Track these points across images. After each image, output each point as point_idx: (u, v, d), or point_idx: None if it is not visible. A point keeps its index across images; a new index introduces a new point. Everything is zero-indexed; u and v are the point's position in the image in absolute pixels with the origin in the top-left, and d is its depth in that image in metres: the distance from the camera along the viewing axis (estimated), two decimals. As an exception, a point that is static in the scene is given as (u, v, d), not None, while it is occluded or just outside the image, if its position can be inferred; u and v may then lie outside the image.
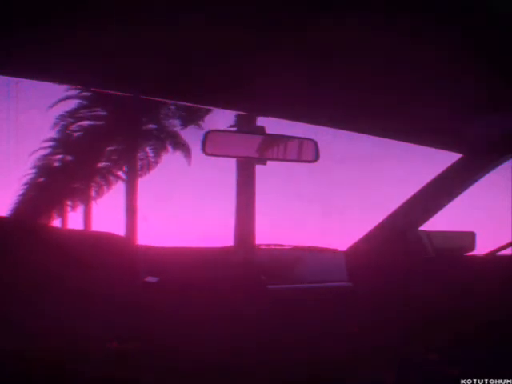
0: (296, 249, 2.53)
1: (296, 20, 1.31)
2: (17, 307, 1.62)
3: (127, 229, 16.81)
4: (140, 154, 17.62)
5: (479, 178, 2.36)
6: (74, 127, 17.56)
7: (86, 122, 17.48)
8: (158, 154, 17.59)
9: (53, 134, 18.73)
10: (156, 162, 17.65)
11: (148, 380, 1.76)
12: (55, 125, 17.23)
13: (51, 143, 19.01)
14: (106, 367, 1.68)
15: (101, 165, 19.34)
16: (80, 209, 21.98)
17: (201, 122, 15.88)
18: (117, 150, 18.24)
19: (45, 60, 1.51)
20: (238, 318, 1.95)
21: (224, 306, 1.94)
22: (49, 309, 1.64)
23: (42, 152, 19.36)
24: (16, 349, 1.58)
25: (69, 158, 19.53)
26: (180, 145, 16.77)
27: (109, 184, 20.07)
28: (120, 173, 19.17)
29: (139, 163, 17.58)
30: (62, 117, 17.06)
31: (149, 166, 17.65)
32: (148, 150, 17.62)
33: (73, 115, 17.23)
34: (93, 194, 20.69)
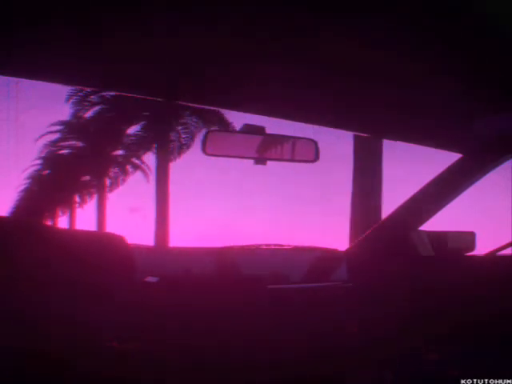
0: (296, 249, 2.53)
1: (296, 21, 1.31)
2: (16, 307, 1.62)
3: (157, 228, 14.19)
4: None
5: (479, 177, 2.35)
6: (91, 98, 14.84)
7: (105, 94, 14.67)
8: (192, 135, 14.76)
9: (59, 118, 17.18)
10: (188, 146, 14.83)
11: (148, 380, 1.76)
12: (69, 97, 14.73)
13: (59, 127, 17.23)
14: (105, 367, 1.68)
15: (117, 152, 17.03)
16: (91, 205, 20.11)
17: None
18: (139, 132, 15.29)
19: (45, 60, 1.51)
20: (238, 317, 1.95)
21: (224, 306, 1.94)
22: (48, 309, 1.64)
23: (48, 138, 17.56)
24: (15, 348, 1.58)
25: (79, 144, 17.23)
26: (224, 123, 13.84)
27: (126, 174, 17.53)
28: (138, 162, 16.67)
29: (170, 146, 14.67)
30: (76, 88, 14.39)
31: (180, 150, 14.89)
32: (180, 129, 14.86)
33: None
34: (107, 187, 18.56)
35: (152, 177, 15.77)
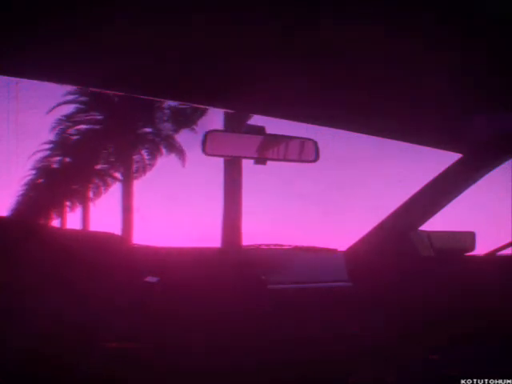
0: (296, 249, 2.53)
1: (296, 21, 1.31)
2: (16, 307, 1.62)
3: (123, 228, 16.74)
4: (136, 157, 17.54)
5: (479, 177, 2.35)
6: (71, 131, 17.55)
7: (82, 126, 17.54)
8: (153, 157, 17.63)
9: (52, 136, 18.58)
10: (151, 165, 17.66)
11: (148, 380, 1.76)
12: (53, 128, 17.17)
13: (50, 145, 18.87)
14: (105, 367, 1.69)
15: (98, 167, 19.35)
16: (78, 209, 21.80)
17: (194, 126, 15.56)
18: (114, 152, 18.19)
19: (45, 60, 1.51)
20: (238, 318, 1.95)
21: (224, 306, 1.94)
22: (48, 308, 1.64)
23: (41, 154, 19.24)
24: (15, 348, 1.58)
25: (67, 159, 19.47)
26: (174, 147, 16.81)
27: (106, 185, 20.01)
28: (117, 174, 19.12)
29: (135, 166, 17.57)
30: (59, 121, 17.13)
31: (144, 169, 17.70)
32: (143, 152, 17.66)
33: (70, 119, 17.16)
34: (90, 194, 20.54)
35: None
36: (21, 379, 1.59)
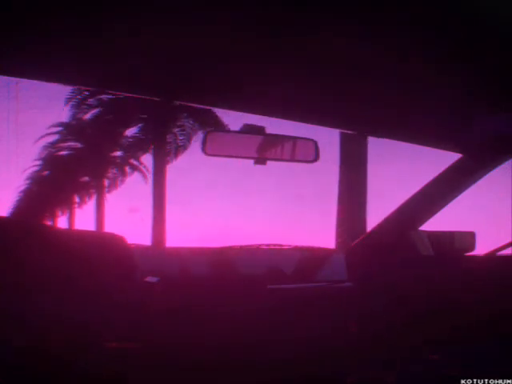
0: (296, 249, 2.53)
1: (296, 21, 1.31)
2: (17, 306, 1.62)
3: (154, 228, 13.98)
4: (168, 137, 14.66)
5: (479, 177, 2.35)
6: (90, 101, 14.53)
7: (102, 96, 14.47)
8: (188, 137, 14.74)
9: (63, 115, 16.31)
10: (185, 147, 14.81)
11: (148, 380, 1.76)
12: (67, 100, 14.34)
13: (58, 128, 16.22)
14: (105, 367, 1.69)
15: (115, 154, 16.58)
16: (90, 205, 19.67)
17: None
18: (136, 134, 15.14)
19: (45, 60, 1.51)
20: (238, 317, 1.95)
21: (224, 306, 1.94)
22: (48, 308, 1.64)
23: (48, 139, 16.87)
24: (16, 347, 1.58)
25: (78, 145, 16.70)
26: (220, 125, 13.76)
27: (124, 175, 17.08)
28: (136, 163, 16.24)
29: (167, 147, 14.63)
30: (74, 90, 14.22)
31: (176, 152, 14.91)
32: (177, 131, 14.79)
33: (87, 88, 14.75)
34: (105, 188, 17.60)
35: (150, 177, 15.44)
36: (21, 379, 1.59)
